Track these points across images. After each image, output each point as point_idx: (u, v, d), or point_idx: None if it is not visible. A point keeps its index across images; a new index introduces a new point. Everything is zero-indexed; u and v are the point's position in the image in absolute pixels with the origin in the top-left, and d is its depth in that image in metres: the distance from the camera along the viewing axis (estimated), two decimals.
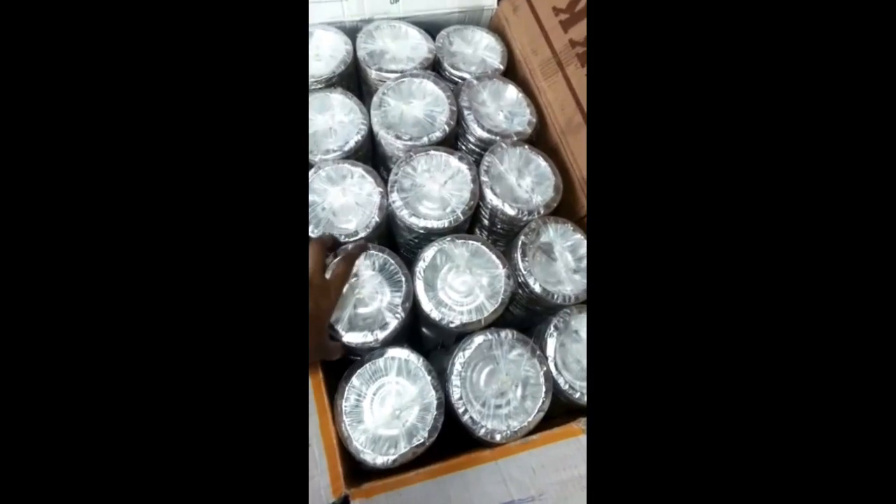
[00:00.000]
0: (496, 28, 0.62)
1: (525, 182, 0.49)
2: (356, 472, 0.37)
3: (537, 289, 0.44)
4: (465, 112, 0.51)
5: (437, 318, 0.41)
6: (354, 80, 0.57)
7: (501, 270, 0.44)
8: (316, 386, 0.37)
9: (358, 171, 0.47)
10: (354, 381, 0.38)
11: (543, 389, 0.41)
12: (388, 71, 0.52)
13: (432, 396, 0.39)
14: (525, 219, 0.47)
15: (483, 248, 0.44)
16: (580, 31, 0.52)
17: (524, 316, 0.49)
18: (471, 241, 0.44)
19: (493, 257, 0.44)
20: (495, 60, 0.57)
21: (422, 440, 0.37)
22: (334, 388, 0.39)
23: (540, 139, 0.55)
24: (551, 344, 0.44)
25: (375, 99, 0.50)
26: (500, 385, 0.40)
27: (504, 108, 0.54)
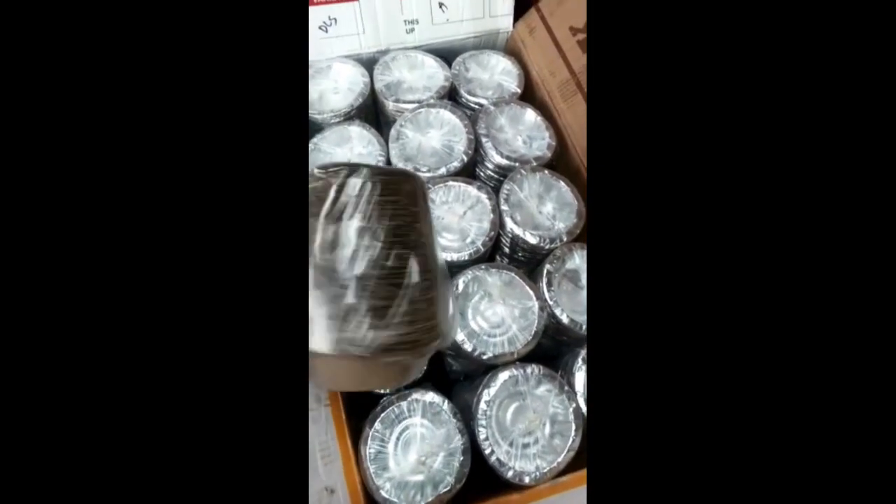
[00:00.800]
0: (512, 51, 0.61)
1: (546, 208, 0.48)
2: None
3: (565, 319, 0.43)
4: (483, 139, 0.50)
5: (469, 350, 0.40)
6: (372, 112, 0.57)
7: (535, 303, 0.42)
8: (339, 430, 0.36)
9: None
10: (378, 425, 0.38)
11: (573, 427, 0.39)
12: (405, 102, 0.52)
13: (458, 441, 0.37)
14: (547, 247, 0.46)
15: (517, 278, 0.43)
16: None
17: (550, 346, 0.48)
18: (504, 271, 0.44)
19: (527, 289, 0.43)
20: (512, 84, 0.57)
21: (448, 486, 0.36)
22: (358, 430, 0.38)
23: (560, 162, 0.53)
24: (580, 378, 0.42)
25: (393, 132, 0.50)
26: (528, 424, 0.39)
27: (522, 132, 0.53)
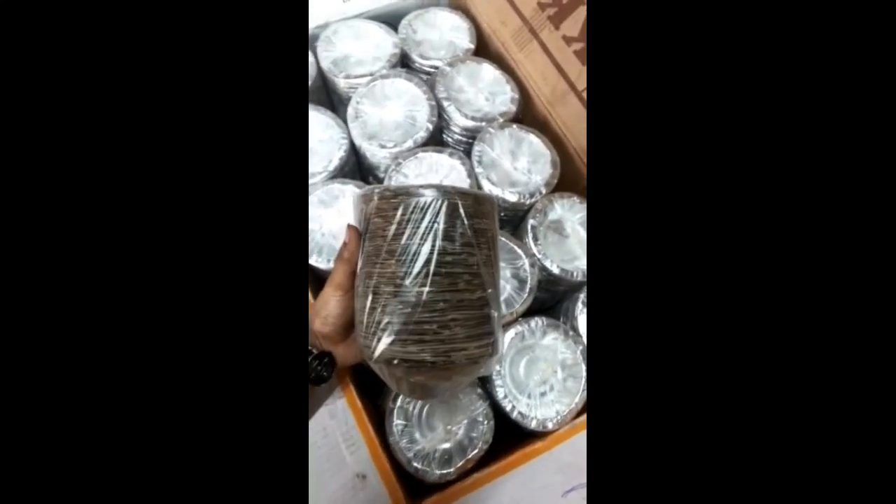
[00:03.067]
0: (458, 5, 0.58)
1: (520, 163, 0.48)
2: (417, 486, 0.37)
3: (556, 270, 0.44)
4: (445, 103, 0.49)
5: None
6: (324, 92, 0.55)
7: (525, 260, 0.43)
8: (358, 417, 0.37)
9: (349, 188, 0.45)
10: (400, 400, 0.38)
11: (584, 367, 0.41)
12: (356, 76, 0.50)
13: (481, 407, 0.39)
14: (528, 202, 0.46)
15: (503, 239, 0.43)
16: None
17: (546, 297, 0.49)
18: None
19: (514, 247, 0.43)
20: (464, 40, 0.55)
21: (475, 449, 0.37)
22: (378, 413, 0.39)
23: (527, 115, 0.53)
24: (582, 321, 0.44)
25: (350, 110, 0.47)
26: (542, 374, 0.40)
27: (483, 89, 0.52)
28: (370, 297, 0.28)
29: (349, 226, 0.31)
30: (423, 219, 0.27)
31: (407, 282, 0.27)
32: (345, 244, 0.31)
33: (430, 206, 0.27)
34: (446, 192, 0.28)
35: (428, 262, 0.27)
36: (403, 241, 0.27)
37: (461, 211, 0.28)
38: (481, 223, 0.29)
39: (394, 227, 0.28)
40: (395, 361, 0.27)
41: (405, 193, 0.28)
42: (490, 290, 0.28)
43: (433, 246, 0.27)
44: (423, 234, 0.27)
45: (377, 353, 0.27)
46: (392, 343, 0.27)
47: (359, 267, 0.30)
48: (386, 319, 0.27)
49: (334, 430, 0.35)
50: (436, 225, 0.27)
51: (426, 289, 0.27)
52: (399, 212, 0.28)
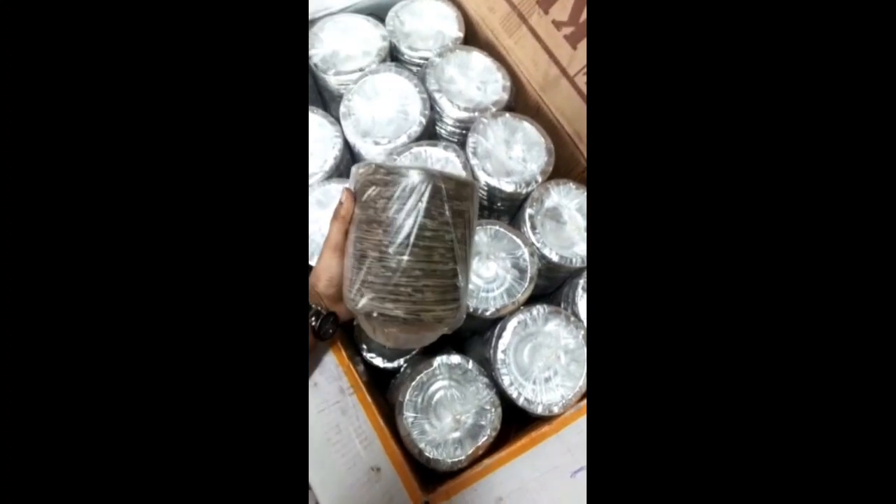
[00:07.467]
0: None
1: (515, 152, 0.48)
2: (430, 476, 0.39)
3: (555, 258, 0.44)
4: (436, 95, 0.48)
5: (470, 310, 0.41)
6: (314, 91, 0.54)
7: (524, 249, 0.43)
8: (369, 413, 0.38)
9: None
10: (409, 394, 0.39)
11: (586, 351, 0.42)
12: (346, 73, 0.49)
13: (487, 395, 0.40)
14: (524, 191, 0.46)
15: (502, 230, 0.44)
16: None
17: (546, 284, 0.50)
18: (489, 226, 0.44)
19: (513, 237, 0.44)
20: (452, 29, 0.54)
21: (485, 436, 0.38)
22: (388, 407, 0.40)
23: (519, 102, 0.52)
24: (582, 306, 0.44)
25: (343, 108, 0.47)
26: (546, 360, 0.41)
27: (474, 79, 0.51)
28: (357, 259, 0.33)
29: (345, 188, 0.35)
30: (409, 197, 0.32)
31: (390, 250, 0.32)
32: (340, 203, 0.35)
33: (416, 187, 0.32)
34: (432, 176, 0.32)
35: (409, 235, 0.31)
36: (391, 214, 0.32)
37: (443, 193, 0.32)
38: (461, 205, 0.33)
39: (383, 201, 0.32)
40: (374, 314, 0.32)
41: (397, 173, 0.32)
42: (460, 264, 0.33)
43: (415, 222, 0.31)
44: (409, 211, 0.32)
45: (359, 306, 0.32)
46: (372, 299, 0.32)
47: (351, 231, 0.34)
48: (370, 279, 0.32)
49: (347, 426, 0.36)
50: (420, 204, 0.31)
51: (405, 257, 0.31)
52: (389, 189, 0.32)
